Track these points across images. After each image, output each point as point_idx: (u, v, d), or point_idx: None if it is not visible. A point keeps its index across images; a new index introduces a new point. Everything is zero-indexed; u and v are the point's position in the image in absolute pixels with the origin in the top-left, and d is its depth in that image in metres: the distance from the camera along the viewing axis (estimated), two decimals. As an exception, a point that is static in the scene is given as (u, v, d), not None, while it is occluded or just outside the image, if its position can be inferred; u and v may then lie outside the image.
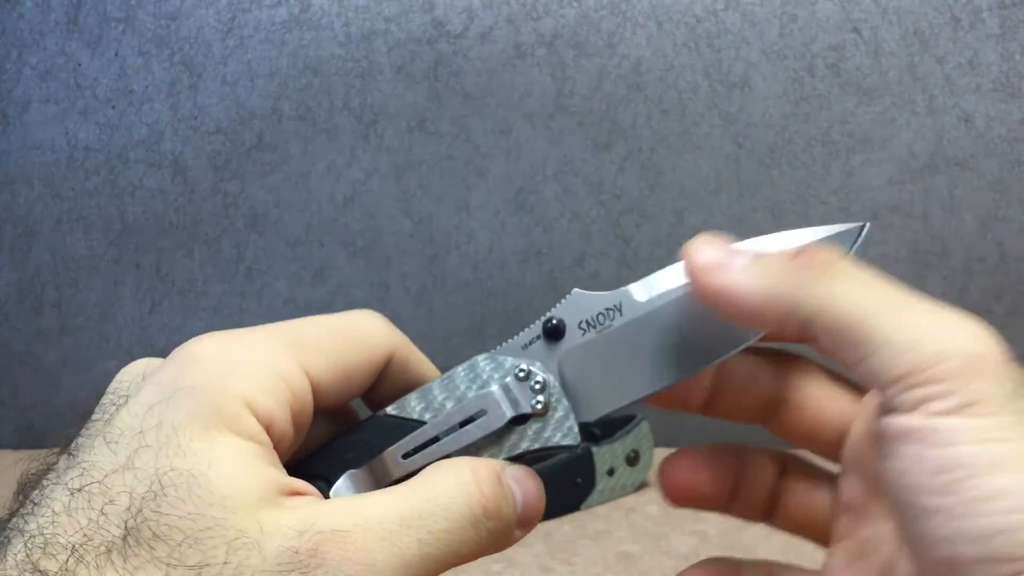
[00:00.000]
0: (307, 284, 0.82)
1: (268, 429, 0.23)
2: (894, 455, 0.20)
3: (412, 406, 0.26)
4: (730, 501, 0.29)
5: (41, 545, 0.20)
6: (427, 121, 0.80)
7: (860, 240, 0.26)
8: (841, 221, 0.26)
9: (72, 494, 0.21)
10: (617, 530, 0.64)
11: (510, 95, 0.79)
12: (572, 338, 0.27)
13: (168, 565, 0.20)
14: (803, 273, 0.23)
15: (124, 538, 0.20)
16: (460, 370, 0.26)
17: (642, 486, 0.71)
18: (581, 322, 0.27)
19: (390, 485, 0.24)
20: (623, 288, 0.27)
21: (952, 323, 0.21)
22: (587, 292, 0.27)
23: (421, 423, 0.26)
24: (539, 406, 0.26)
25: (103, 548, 0.20)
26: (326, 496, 0.25)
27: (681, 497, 0.29)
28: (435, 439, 0.26)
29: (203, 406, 0.22)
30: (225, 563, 0.20)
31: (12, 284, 0.85)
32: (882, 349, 0.21)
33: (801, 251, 0.23)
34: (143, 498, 0.20)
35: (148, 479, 0.21)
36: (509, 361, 0.26)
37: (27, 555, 0.20)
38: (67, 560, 0.19)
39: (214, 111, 0.82)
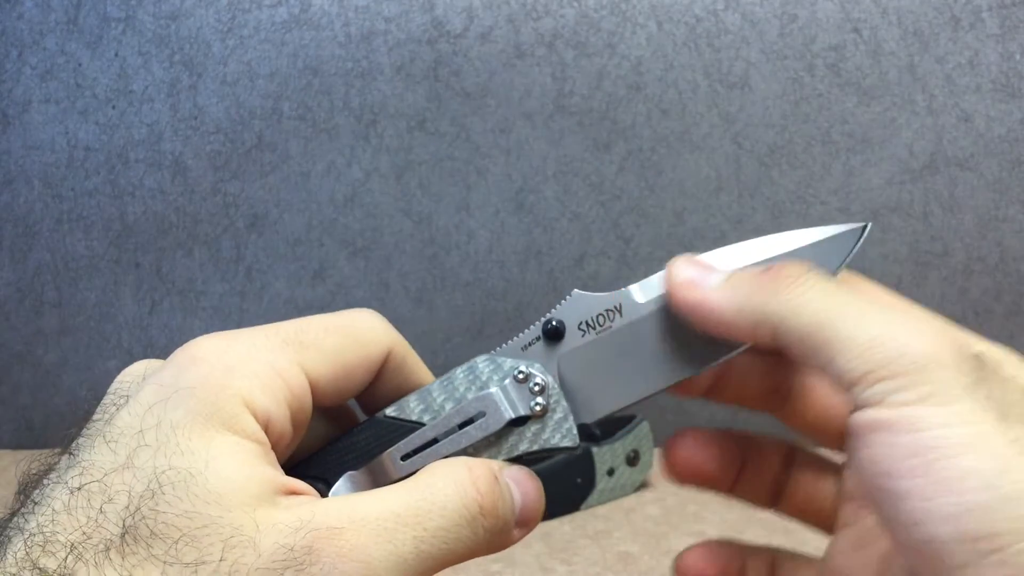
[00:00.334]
0: (307, 284, 0.82)
1: (266, 428, 0.23)
2: (865, 446, 0.21)
3: (411, 408, 0.26)
4: (735, 484, 0.29)
5: (41, 543, 0.20)
6: (427, 121, 0.80)
7: (862, 240, 0.26)
8: (841, 221, 0.26)
9: (72, 493, 0.21)
10: (617, 530, 0.64)
11: (510, 95, 0.79)
12: (572, 339, 0.27)
13: (165, 563, 0.20)
14: (770, 285, 0.24)
15: (122, 536, 0.20)
16: (459, 371, 0.26)
17: (642, 486, 0.71)
18: (581, 323, 0.27)
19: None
20: (623, 289, 0.27)
21: (911, 322, 0.22)
22: (587, 293, 0.27)
23: (420, 425, 0.26)
24: (538, 408, 0.26)
25: (102, 546, 0.20)
26: (325, 497, 0.25)
27: (685, 475, 0.29)
28: (434, 441, 0.26)
29: (202, 405, 0.22)
30: (221, 560, 0.20)
31: (12, 284, 0.85)
32: (845, 350, 0.22)
33: (770, 266, 0.25)
34: (141, 496, 0.20)
35: (147, 478, 0.21)
36: (508, 363, 0.26)
37: (27, 553, 0.20)
38: (66, 558, 0.19)
39: (214, 111, 0.82)
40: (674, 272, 0.26)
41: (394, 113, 0.80)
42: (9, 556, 0.20)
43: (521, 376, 0.26)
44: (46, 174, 0.84)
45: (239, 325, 0.85)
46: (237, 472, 0.21)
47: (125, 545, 0.20)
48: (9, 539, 0.20)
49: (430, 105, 0.80)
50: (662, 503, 0.68)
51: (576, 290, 0.27)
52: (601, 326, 0.27)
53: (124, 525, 0.20)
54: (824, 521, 0.29)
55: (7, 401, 0.86)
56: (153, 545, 0.20)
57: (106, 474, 0.21)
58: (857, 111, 0.76)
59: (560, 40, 0.78)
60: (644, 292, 0.27)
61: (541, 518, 0.26)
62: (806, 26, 0.76)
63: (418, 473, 0.24)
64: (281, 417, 0.23)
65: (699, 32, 0.77)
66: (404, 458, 0.25)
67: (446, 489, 0.23)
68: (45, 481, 0.22)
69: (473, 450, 0.26)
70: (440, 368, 0.28)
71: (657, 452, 0.71)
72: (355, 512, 0.22)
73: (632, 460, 0.69)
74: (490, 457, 0.26)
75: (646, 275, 0.27)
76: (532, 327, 0.27)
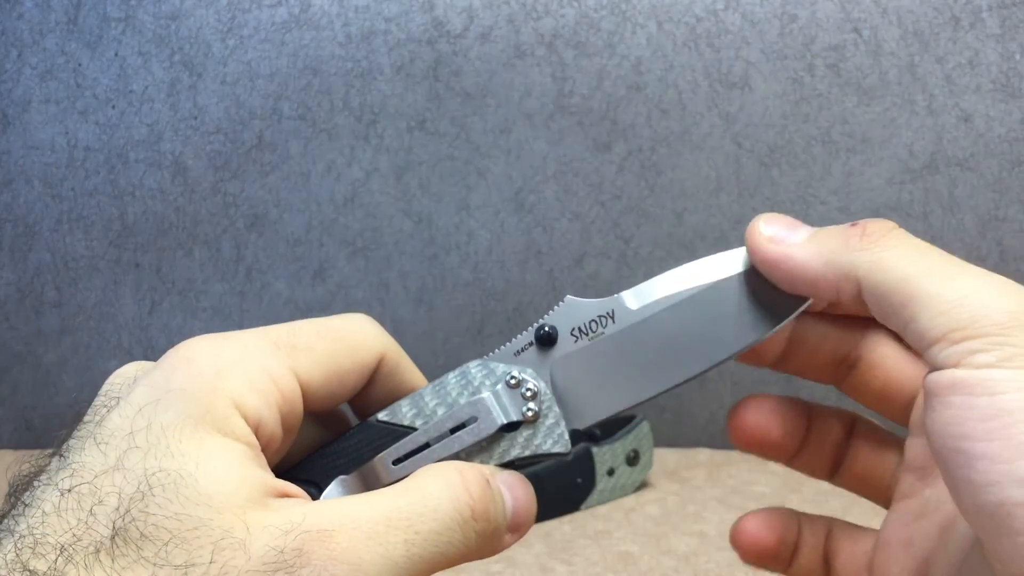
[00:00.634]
0: (307, 284, 0.82)
1: (257, 430, 0.23)
2: (941, 406, 0.21)
3: (403, 412, 0.26)
4: (796, 454, 0.29)
5: (31, 545, 0.20)
6: (427, 121, 0.80)
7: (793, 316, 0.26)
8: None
9: (62, 495, 0.21)
10: (617, 530, 0.64)
11: (510, 95, 0.79)
12: (564, 345, 0.27)
13: (155, 564, 0.20)
14: (857, 240, 0.24)
15: (112, 538, 0.20)
16: (451, 376, 0.26)
17: (642, 486, 0.71)
18: (573, 329, 0.27)
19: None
20: (615, 296, 0.27)
21: (993, 284, 0.22)
22: (580, 299, 0.27)
23: (412, 429, 0.26)
24: (530, 413, 0.26)
25: (92, 548, 0.20)
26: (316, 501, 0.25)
27: (750, 441, 0.29)
28: (426, 445, 0.26)
29: (192, 407, 0.22)
30: (211, 563, 0.20)
31: (12, 284, 0.85)
32: (927, 309, 0.21)
33: (856, 222, 0.25)
34: (131, 498, 0.20)
35: (136, 479, 0.21)
36: (501, 368, 0.26)
37: (16, 555, 0.20)
38: (56, 560, 0.19)
39: (214, 111, 0.82)
40: (760, 227, 0.26)
41: (394, 113, 0.80)
42: None
43: (513, 381, 0.26)
44: (46, 174, 0.84)
45: (239, 325, 0.85)
46: (227, 474, 0.21)
47: (115, 547, 0.20)
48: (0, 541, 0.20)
49: (430, 105, 0.80)
50: (662, 503, 0.68)
51: (569, 296, 0.27)
52: (594, 332, 0.27)
53: (114, 527, 0.20)
54: (882, 494, 0.29)
55: (7, 401, 0.86)
56: (143, 547, 0.20)
57: (96, 476, 0.21)
58: (857, 111, 0.76)
59: (560, 40, 0.78)
60: (637, 298, 0.27)
61: (533, 522, 0.26)
62: (806, 26, 0.76)
63: (409, 477, 0.24)
64: (271, 420, 0.23)
65: (699, 32, 0.77)
66: (396, 462, 0.26)
67: (438, 492, 0.23)
68: (35, 483, 0.22)
69: (465, 455, 0.26)
70: (440, 369, 0.28)
71: (657, 452, 0.71)
72: (345, 515, 0.22)
73: (632, 460, 0.69)
74: (482, 462, 0.26)
75: (646, 275, 0.28)
76: (525, 332, 0.27)
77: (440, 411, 0.26)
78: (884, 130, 0.76)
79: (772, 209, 0.77)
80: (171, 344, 0.25)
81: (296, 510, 0.21)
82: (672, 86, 0.77)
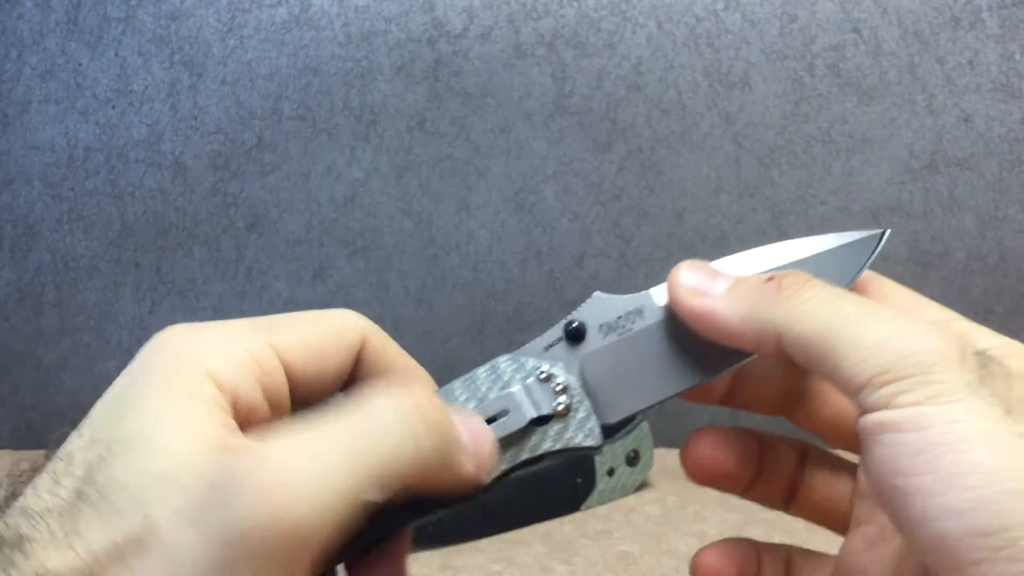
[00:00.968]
0: (307, 284, 0.82)
1: (236, 401, 0.23)
2: (874, 445, 0.21)
3: None
4: (751, 484, 0.29)
5: (6, 522, 0.21)
6: (427, 121, 0.80)
7: (880, 247, 0.26)
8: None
9: (41, 478, 0.22)
10: (617, 530, 0.64)
11: (510, 95, 0.79)
12: (593, 341, 0.27)
13: (113, 515, 0.20)
14: (773, 294, 0.24)
15: (75, 500, 0.21)
16: (481, 371, 0.26)
17: (642, 486, 0.71)
18: (602, 325, 0.27)
19: None
20: (644, 292, 0.27)
21: (911, 325, 0.22)
22: (608, 295, 0.27)
23: None
24: (560, 407, 0.26)
25: (56, 512, 0.20)
26: None
27: (703, 474, 0.29)
28: None
29: (163, 380, 0.23)
30: (160, 513, 0.20)
31: (12, 284, 0.85)
32: (848, 356, 0.22)
33: (773, 275, 0.25)
34: (93, 463, 0.21)
35: (102, 447, 0.21)
36: (531, 362, 0.26)
37: None
38: (22, 524, 0.20)
39: (214, 111, 0.82)
40: (679, 278, 0.26)
41: (394, 113, 0.80)
42: None
43: (543, 375, 0.26)
44: (46, 174, 0.84)
45: (239, 325, 0.85)
46: (186, 428, 0.22)
47: (76, 508, 0.20)
48: None
49: (430, 105, 0.80)
50: (662, 503, 0.68)
51: (597, 292, 0.27)
52: (623, 328, 0.27)
53: (77, 491, 0.21)
54: (838, 521, 0.29)
55: (7, 401, 0.86)
56: (99, 504, 0.20)
57: (71, 454, 0.22)
58: (857, 111, 0.76)
59: (560, 40, 0.78)
60: (665, 295, 0.27)
61: (494, 462, 0.26)
62: (806, 26, 0.76)
63: (356, 396, 0.24)
64: (249, 390, 0.23)
65: (699, 32, 0.76)
66: None
67: (382, 402, 0.23)
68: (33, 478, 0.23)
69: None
70: (440, 369, 0.28)
71: (657, 452, 0.71)
72: (288, 438, 0.22)
73: (632, 460, 0.69)
74: (512, 456, 0.26)
75: (646, 275, 0.28)
76: (554, 328, 0.27)
77: (471, 405, 0.26)
78: (884, 130, 0.76)
79: (772, 209, 0.77)
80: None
81: (244, 446, 0.22)
82: (672, 86, 0.77)
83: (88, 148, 0.84)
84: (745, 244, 0.27)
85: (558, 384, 0.26)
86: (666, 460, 0.73)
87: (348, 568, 0.26)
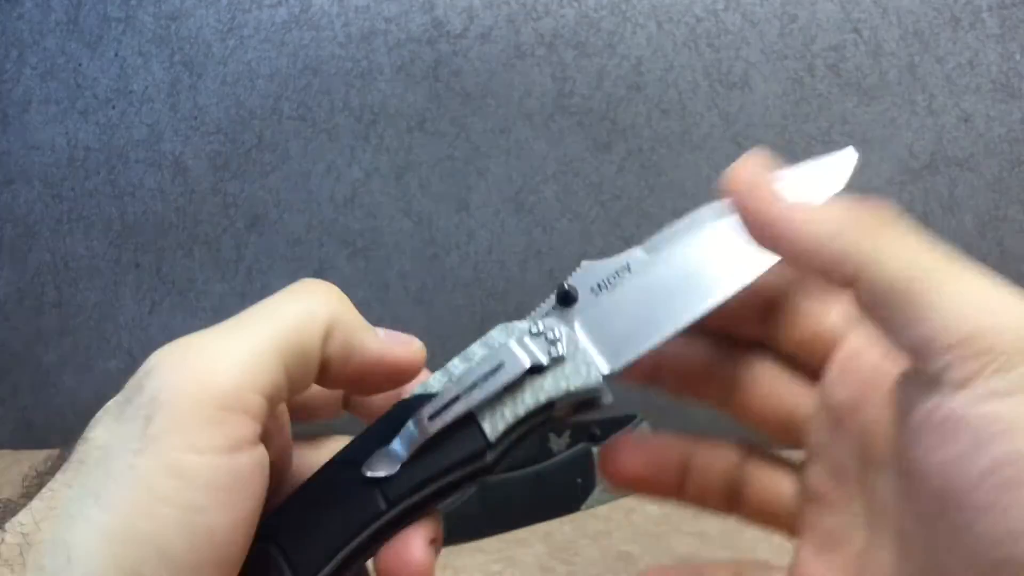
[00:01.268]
0: (307, 284, 0.82)
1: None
2: (940, 445, 0.19)
3: (432, 383, 0.27)
4: (680, 488, 0.28)
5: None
6: (427, 121, 0.80)
7: (852, 169, 0.27)
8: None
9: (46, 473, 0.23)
10: (617, 530, 0.64)
11: (510, 95, 0.79)
12: (586, 301, 0.27)
13: (72, 471, 0.21)
14: (862, 225, 0.22)
15: (61, 469, 0.21)
16: (475, 344, 0.27)
17: (642, 486, 0.71)
18: (593, 287, 0.27)
19: (420, 447, 0.25)
20: (627, 251, 0.28)
21: (1007, 296, 0.19)
22: (595, 261, 0.27)
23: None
24: (556, 354, 0.26)
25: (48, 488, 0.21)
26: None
27: (620, 478, 0.28)
28: (456, 398, 0.25)
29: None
30: (91, 430, 0.22)
31: (12, 284, 0.85)
32: (931, 314, 0.19)
33: (860, 203, 0.22)
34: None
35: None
36: (523, 324, 0.27)
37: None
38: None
39: (214, 111, 0.82)
40: (748, 173, 0.24)
41: (394, 113, 0.80)
42: None
43: (536, 331, 0.26)
44: (46, 174, 0.84)
45: (239, 325, 0.85)
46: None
47: (62, 472, 0.21)
48: None
49: (430, 105, 0.80)
50: (662, 503, 0.68)
51: (584, 261, 0.27)
52: (613, 285, 0.27)
53: (68, 463, 0.22)
54: (787, 524, 0.27)
55: (7, 401, 0.86)
56: (67, 470, 0.21)
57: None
58: (857, 111, 0.76)
59: (560, 40, 0.78)
60: (649, 248, 0.28)
61: (421, 352, 0.27)
62: (806, 26, 0.76)
63: None
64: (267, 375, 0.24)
65: (699, 32, 0.76)
66: (430, 419, 0.25)
67: (288, 288, 0.25)
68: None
69: (496, 400, 0.25)
70: (440, 368, 0.28)
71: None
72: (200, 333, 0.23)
73: (632, 460, 0.69)
74: (513, 409, 0.25)
75: None
76: (547, 299, 0.27)
77: (462, 369, 0.26)
78: (884, 130, 0.76)
79: (772, 209, 0.77)
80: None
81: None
82: (672, 86, 0.77)
83: (88, 148, 0.84)
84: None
85: (551, 335, 0.26)
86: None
87: (376, 561, 0.25)
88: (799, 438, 0.26)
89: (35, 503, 0.21)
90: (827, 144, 0.76)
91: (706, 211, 0.27)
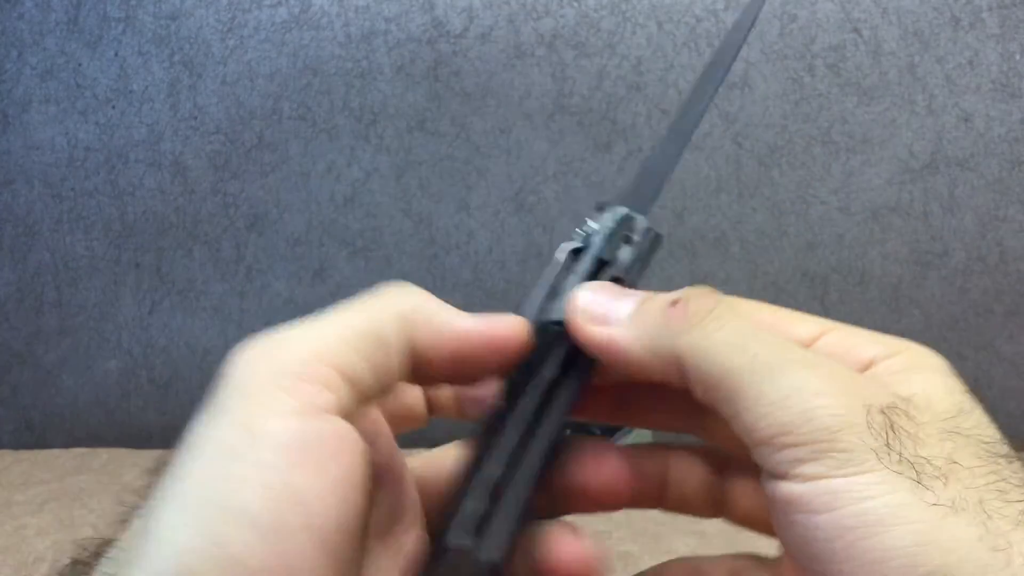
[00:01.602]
0: (307, 284, 0.82)
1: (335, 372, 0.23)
2: (785, 523, 0.20)
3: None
4: (662, 498, 0.28)
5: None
6: (427, 121, 0.80)
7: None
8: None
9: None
10: (617, 530, 0.64)
11: (510, 95, 0.79)
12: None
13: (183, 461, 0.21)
14: (678, 323, 0.22)
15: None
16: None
17: (642, 486, 0.71)
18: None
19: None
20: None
21: (821, 378, 0.20)
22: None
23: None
24: (590, 230, 0.26)
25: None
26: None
27: (597, 501, 0.28)
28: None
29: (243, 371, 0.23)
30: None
31: (12, 284, 0.85)
32: (751, 408, 0.20)
33: (679, 297, 0.23)
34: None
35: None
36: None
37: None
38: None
39: (214, 111, 0.82)
40: (577, 303, 0.24)
41: (394, 113, 0.80)
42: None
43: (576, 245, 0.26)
44: (46, 174, 0.84)
45: (239, 325, 0.85)
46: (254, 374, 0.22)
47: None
48: None
49: (430, 105, 0.80)
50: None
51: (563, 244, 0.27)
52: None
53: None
54: (769, 527, 0.28)
55: (7, 401, 0.86)
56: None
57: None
58: (857, 111, 0.76)
59: (560, 40, 0.78)
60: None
61: (521, 325, 0.26)
62: (806, 26, 0.76)
63: None
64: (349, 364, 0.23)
65: (699, 32, 0.76)
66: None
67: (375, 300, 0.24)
68: None
69: (560, 285, 0.26)
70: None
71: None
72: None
73: (632, 460, 0.69)
74: (574, 283, 0.26)
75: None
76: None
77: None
78: (884, 130, 0.76)
79: (772, 209, 0.77)
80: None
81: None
82: (672, 86, 0.77)
83: (88, 148, 0.84)
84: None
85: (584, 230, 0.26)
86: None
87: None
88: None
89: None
90: (827, 144, 0.76)
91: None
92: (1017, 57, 0.74)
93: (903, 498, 0.18)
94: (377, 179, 0.81)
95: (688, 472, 0.28)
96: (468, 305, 0.24)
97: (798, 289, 0.77)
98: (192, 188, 0.83)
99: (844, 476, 0.19)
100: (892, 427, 0.19)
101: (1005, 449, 0.20)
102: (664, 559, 0.28)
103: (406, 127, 0.80)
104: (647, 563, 0.28)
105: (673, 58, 0.77)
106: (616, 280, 0.25)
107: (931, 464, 0.19)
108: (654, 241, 0.26)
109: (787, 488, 0.20)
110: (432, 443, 0.29)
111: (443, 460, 0.27)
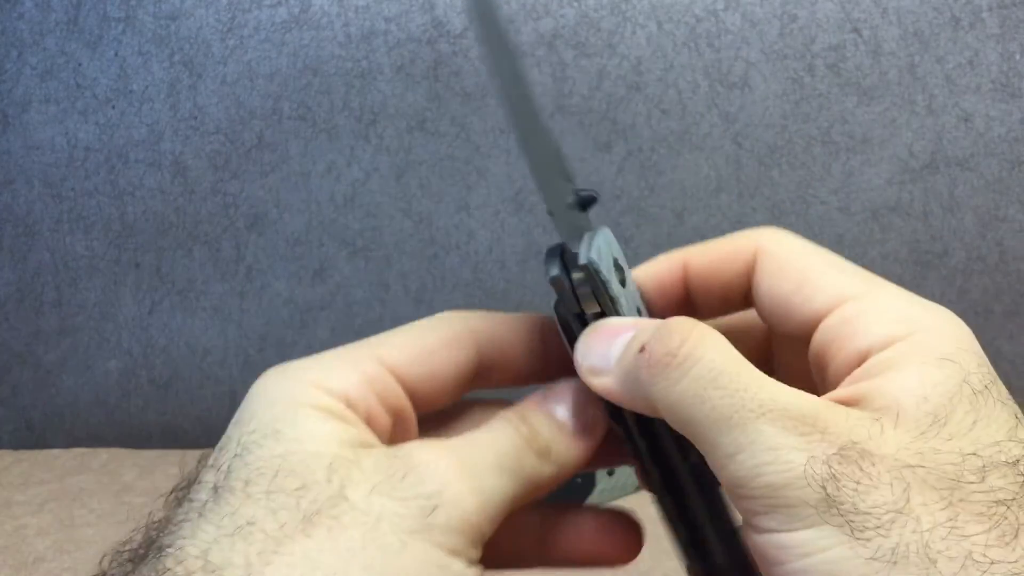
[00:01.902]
0: (307, 284, 0.82)
1: (351, 407, 0.24)
2: (763, 568, 0.21)
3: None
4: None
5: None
6: (427, 121, 0.80)
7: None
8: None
9: (182, 490, 0.23)
10: (617, 530, 0.64)
11: (510, 95, 0.79)
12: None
13: (267, 494, 0.20)
14: (646, 372, 0.22)
15: (213, 496, 0.21)
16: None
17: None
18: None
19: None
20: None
21: (766, 435, 0.20)
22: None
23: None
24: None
25: (195, 513, 0.21)
26: None
27: (599, 561, 0.30)
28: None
29: (275, 400, 0.23)
30: (328, 481, 0.21)
31: (12, 284, 0.85)
32: (711, 457, 0.21)
33: (645, 343, 0.23)
34: (231, 460, 0.22)
35: (236, 445, 0.22)
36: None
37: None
38: (160, 532, 0.21)
39: (214, 111, 0.82)
40: (578, 357, 0.25)
41: (394, 113, 0.80)
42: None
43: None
44: (46, 174, 0.84)
45: (239, 325, 0.85)
46: (325, 424, 0.22)
47: (217, 501, 0.21)
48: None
49: (430, 105, 0.80)
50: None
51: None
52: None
53: (215, 487, 0.21)
54: None
55: (7, 401, 0.86)
56: (249, 488, 0.21)
57: (215, 458, 0.22)
58: (857, 111, 0.76)
59: (560, 40, 0.78)
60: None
61: (602, 421, 0.27)
62: (806, 26, 0.76)
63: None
64: (361, 394, 0.24)
65: (699, 32, 0.76)
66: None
67: (501, 425, 0.25)
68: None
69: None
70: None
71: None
72: (441, 444, 0.23)
73: (632, 460, 0.69)
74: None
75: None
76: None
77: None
78: (884, 130, 0.76)
79: (772, 209, 0.77)
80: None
81: (394, 445, 0.23)
82: (672, 86, 0.77)
83: (88, 148, 0.84)
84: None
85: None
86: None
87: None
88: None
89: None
90: (827, 144, 0.76)
91: None
92: (1017, 57, 0.74)
93: (841, 553, 0.19)
94: (377, 179, 0.81)
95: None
96: (468, 305, 0.24)
97: (798, 289, 0.76)
98: (192, 188, 0.83)
99: (789, 531, 0.19)
100: (835, 477, 0.19)
101: (980, 462, 0.19)
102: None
103: (406, 127, 0.80)
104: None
105: (673, 58, 0.77)
106: (612, 301, 0.25)
107: (872, 516, 0.19)
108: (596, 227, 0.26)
109: (753, 537, 0.21)
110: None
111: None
